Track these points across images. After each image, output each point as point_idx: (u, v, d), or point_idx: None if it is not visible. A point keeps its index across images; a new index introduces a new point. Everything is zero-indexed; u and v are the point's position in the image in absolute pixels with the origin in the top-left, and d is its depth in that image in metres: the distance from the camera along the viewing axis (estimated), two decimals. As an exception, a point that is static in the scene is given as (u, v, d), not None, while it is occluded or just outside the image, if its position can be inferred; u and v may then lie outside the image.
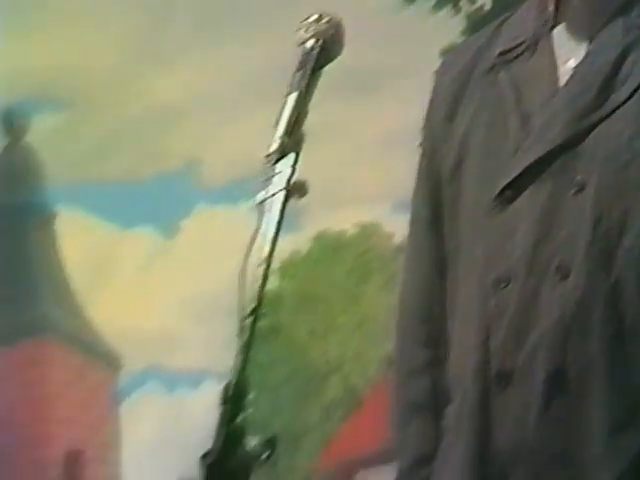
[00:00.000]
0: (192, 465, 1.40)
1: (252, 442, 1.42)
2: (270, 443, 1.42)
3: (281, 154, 1.58)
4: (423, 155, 1.87)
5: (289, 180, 1.56)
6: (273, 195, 1.56)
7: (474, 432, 1.64)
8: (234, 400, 1.43)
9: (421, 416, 1.77)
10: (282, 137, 1.59)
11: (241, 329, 1.49)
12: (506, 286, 1.66)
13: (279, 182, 1.56)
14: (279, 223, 1.54)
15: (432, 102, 1.88)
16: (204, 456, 1.40)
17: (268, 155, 1.60)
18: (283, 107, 1.62)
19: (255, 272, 1.51)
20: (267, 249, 1.53)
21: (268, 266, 1.52)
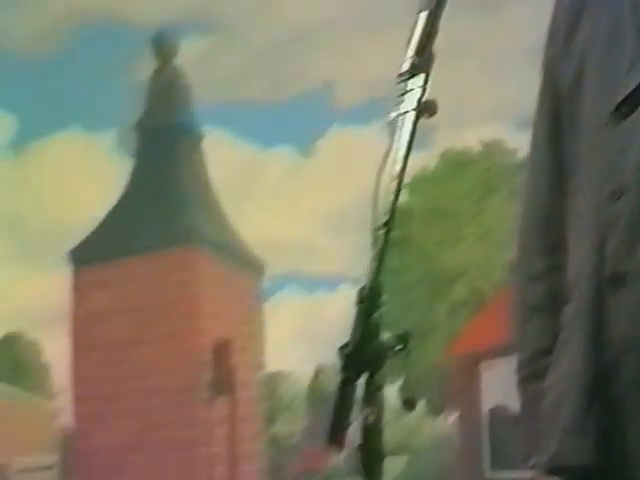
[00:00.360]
0: (330, 355, 1.46)
1: (386, 336, 1.47)
2: (403, 337, 1.47)
3: (412, 74, 1.59)
4: (544, 71, 1.86)
5: (420, 100, 1.58)
6: (404, 114, 1.58)
7: (590, 326, 1.67)
8: (369, 300, 1.48)
9: (540, 316, 1.80)
10: (413, 57, 1.60)
11: (375, 239, 1.53)
12: (619, 198, 1.67)
13: (410, 102, 1.58)
14: (410, 141, 1.56)
15: (553, 19, 1.86)
16: (342, 347, 1.46)
17: (400, 75, 1.61)
18: (414, 26, 1.62)
19: (388, 187, 1.55)
20: (399, 166, 1.55)
21: (400, 181, 1.55)
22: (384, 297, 1.50)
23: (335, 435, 1.37)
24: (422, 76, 1.59)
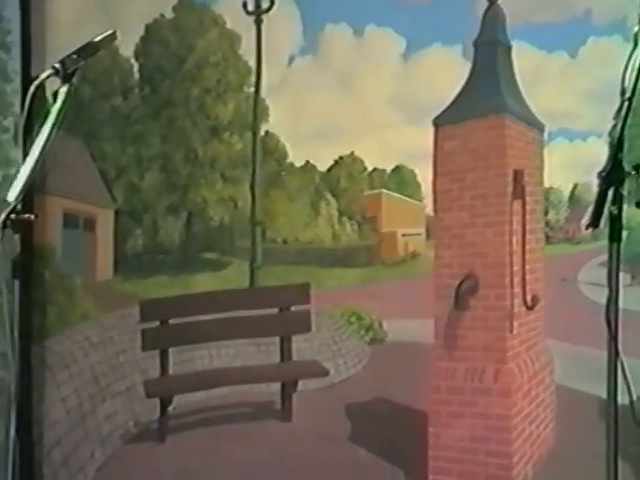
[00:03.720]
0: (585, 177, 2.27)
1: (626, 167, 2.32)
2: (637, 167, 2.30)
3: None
4: None
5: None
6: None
7: None
8: (617, 146, 2.32)
9: None
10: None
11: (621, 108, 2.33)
12: None
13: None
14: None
15: None
16: (600, 172, 2.32)
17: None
18: None
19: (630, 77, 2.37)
20: None
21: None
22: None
23: (594, 218, 2.24)
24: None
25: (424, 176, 4.42)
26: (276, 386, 4.56)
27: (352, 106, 4.36)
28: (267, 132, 4.62)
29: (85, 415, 4.53)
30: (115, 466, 4.46)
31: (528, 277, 4.10)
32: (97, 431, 4.52)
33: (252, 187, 4.67)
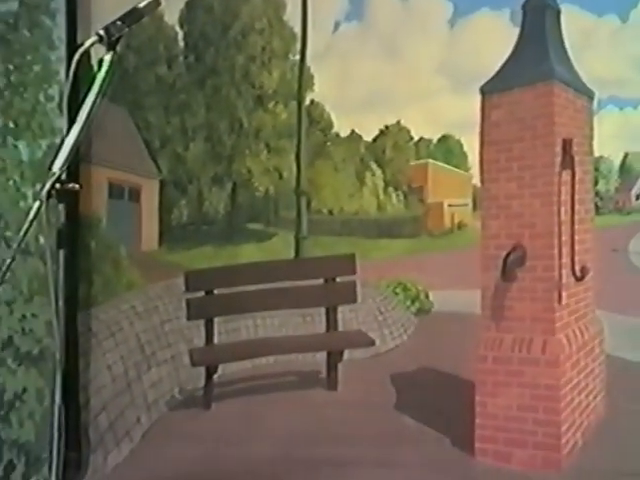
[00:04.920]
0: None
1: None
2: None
3: None
4: None
5: None
6: None
7: None
8: None
9: None
10: None
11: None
12: None
13: None
14: None
15: None
16: None
17: None
18: None
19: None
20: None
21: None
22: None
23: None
24: None
25: (471, 146, 4.33)
26: (321, 356, 4.52)
27: (398, 74, 4.27)
28: (312, 101, 4.55)
29: (131, 382, 4.55)
30: (161, 431, 4.48)
31: (577, 248, 4.03)
32: (143, 397, 4.54)
33: (297, 157, 4.60)
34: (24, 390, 4.52)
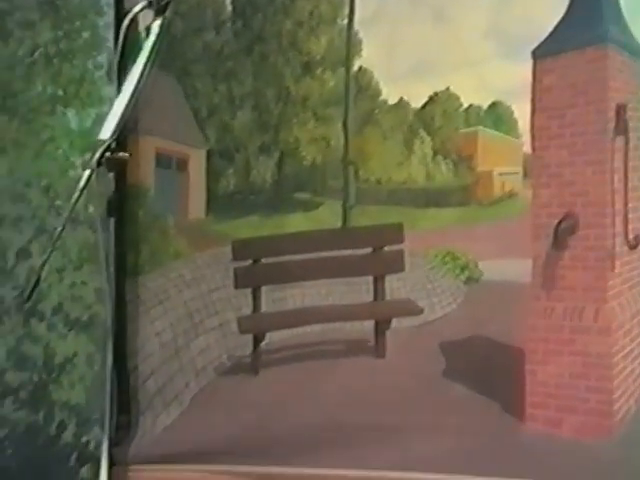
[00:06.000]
0: None
1: None
2: None
3: None
4: None
5: None
6: None
7: None
8: None
9: None
10: None
11: None
12: None
13: None
14: None
15: None
16: None
17: None
18: None
19: None
20: None
21: None
22: None
23: None
24: None
25: (521, 112, 4.22)
26: (369, 325, 4.47)
27: (447, 40, 4.17)
28: (360, 68, 4.46)
29: (179, 349, 4.54)
30: (209, 396, 4.47)
31: (631, 216, 3.93)
32: (191, 364, 4.53)
33: (345, 126, 4.52)
34: (74, 354, 4.57)
